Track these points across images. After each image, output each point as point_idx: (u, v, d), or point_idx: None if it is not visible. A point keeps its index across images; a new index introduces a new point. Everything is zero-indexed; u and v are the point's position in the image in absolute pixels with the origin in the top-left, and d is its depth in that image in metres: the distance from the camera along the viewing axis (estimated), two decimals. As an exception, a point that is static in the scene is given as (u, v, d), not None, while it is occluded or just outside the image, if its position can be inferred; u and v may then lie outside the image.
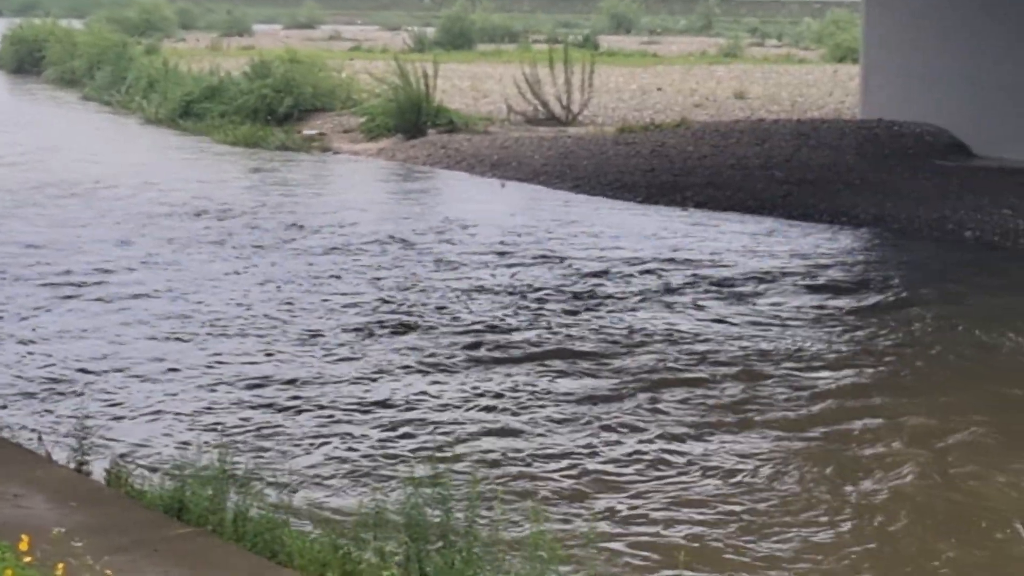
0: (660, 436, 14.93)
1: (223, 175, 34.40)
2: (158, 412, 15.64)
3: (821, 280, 22.47)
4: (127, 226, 26.88)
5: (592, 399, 16.30)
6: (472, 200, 30.88)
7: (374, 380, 16.89)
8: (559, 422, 15.34)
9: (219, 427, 15.02)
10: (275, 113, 41.96)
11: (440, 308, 20.55)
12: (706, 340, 18.67)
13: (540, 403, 16.09)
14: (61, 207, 29.12)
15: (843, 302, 21.08)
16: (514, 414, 15.62)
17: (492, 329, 19.42)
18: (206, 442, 13.83)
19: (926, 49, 36.53)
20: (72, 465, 12.36)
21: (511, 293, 21.55)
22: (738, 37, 78.68)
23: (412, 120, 38.69)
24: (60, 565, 8.69)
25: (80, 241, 25.18)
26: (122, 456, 13.50)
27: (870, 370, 17.70)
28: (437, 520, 9.77)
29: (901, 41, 37.43)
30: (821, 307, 20.84)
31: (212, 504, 10.66)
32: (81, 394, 16.08)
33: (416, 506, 9.78)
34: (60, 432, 14.29)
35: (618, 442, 14.67)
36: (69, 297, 20.90)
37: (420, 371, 17.37)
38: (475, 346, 18.57)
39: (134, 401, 15.99)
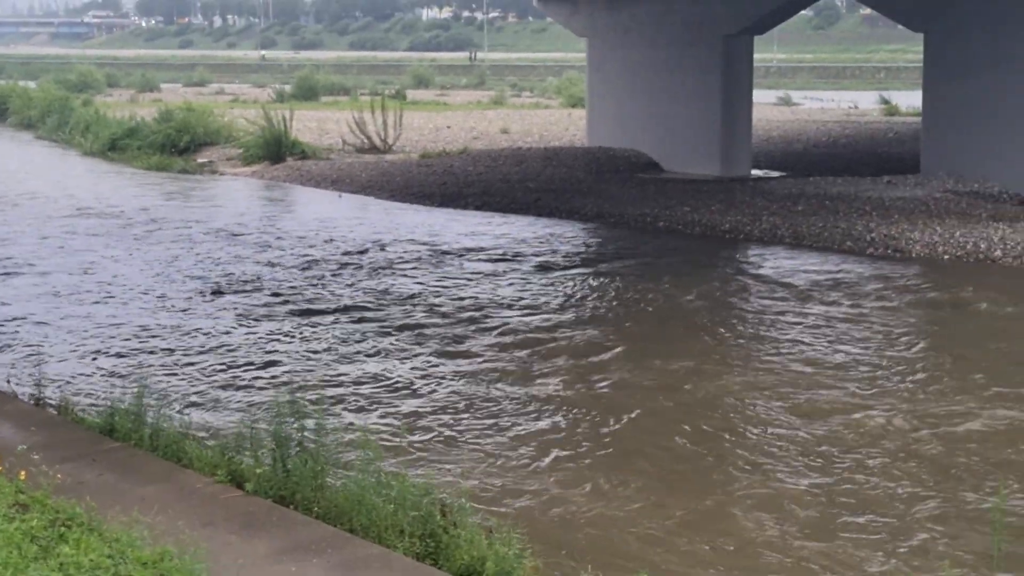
0: (416, 356, 15.15)
1: (135, 190, 33.82)
2: (81, 355, 15.57)
3: (560, 255, 22.74)
4: (51, 224, 26.95)
5: (361, 336, 16.48)
6: (314, 204, 30.83)
7: (210, 327, 17.04)
8: (343, 354, 15.49)
9: (121, 363, 15.00)
10: (177, 146, 41.38)
11: (257, 278, 20.73)
12: (468, 298, 18.88)
13: (329, 342, 16.21)
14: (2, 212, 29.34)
15: (568, 270, 21.36)
16: (323, 350, 15.69)
17: (293, 290, 19.56)
18: (117, 375, 13.85)
19: (625, 98, 37.13)
20: (31, 401, 12.13)
21: (321, 263, 21.61)
22: (503, 90, 79.12)
23: (275, 150, 38.38)
24: (22, 472, 8.55)
25: (14, 234, 25.48)
26: (59, 387, 13.45)
27: (563, 310, 18.05)
28: (295, 429, 9.72)
29: (610, 93, 38.00)
30: (549, 269, 21.13)
31: (134, 425, 10.55)
32: (36, 346, 15.89)
33: (279, 422, 9.71)
34: (18, 376, 14.13)
35: (385, 363, 14.83)
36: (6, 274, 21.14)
37: (237, 321, 17.61)
38: (277, 303, 18.81)
39: (59, 349, 15.88)
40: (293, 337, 16.59)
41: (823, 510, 10.24)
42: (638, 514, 10.21)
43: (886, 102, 60.21)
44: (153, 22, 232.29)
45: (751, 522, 10.00)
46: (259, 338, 16.54)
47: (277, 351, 15.80)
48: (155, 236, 25.35)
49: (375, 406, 13.35)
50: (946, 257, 21.82)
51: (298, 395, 12.03)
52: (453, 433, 12.38)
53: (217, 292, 19.45)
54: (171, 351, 15.80)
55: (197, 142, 41.79)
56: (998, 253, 21.61)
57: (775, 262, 22.04)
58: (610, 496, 10.63)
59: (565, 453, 11.81)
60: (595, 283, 20.42)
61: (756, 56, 36.12)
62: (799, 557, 9.33)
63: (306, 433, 9.67)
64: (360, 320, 17.56)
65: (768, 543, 9.59)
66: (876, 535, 9.74)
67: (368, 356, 15.53)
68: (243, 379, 14.46)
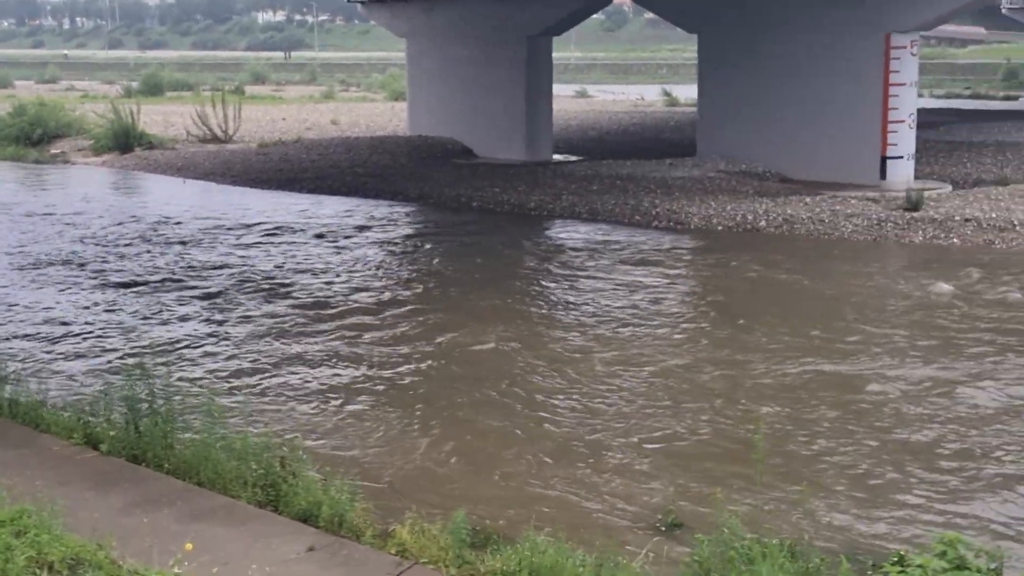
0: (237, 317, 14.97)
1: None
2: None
3: (390, 231, 22.62)
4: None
5: (185, 301, 16.21)
6: (158, 189, 29.88)
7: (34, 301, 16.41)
8: (164, 320, 15.18)
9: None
10: (31, 138, 39.56)
11: (72, 252, 20.27)
12: (297, 269, 18.69)
13: (160, 308, 15.89)
14: None
15: (397, 245, 21.31)
16: (144, 318, 15.35)
17: (116, 264, 18.96)
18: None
19: (442, 92, 37.02)
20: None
21: (146, 241, 21.16)
22: (333, 86, 77.95)
23: (124, 141, 37.07)
24: None
25: None
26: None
27: (360, 272, 18.06)
28: (145, 395, 9.47)
29: (428, 86, 37.82)
30: (377, 243, 21.04)
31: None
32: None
33: (130, 387, 9.46)
34: None
35: (203, 327, 14.61)
36: None
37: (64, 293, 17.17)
38: (99, 276, 18.39)
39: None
40: (117, 306, 16.17)
41: (580, 433, 10.45)
42: (446, 456, 10.27)
43: (668, 94, 61.42)
44: (6, 24, 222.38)
45: (528, 457, 10.14)
46: (85, 308, 16.08)
47: (101, 320, 15.35)
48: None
49: (196, 367, 13.10)
50: (720, 228, 22.43)
51: (136, 360, 11.67)
52: (272, 388, 12.24)
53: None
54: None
55: (50, 134, 40.04)
56: (763, 223, 22.30)
57: (572, 234, 22.36)
58: (416, 442, 10.65)
59: (373, 405, 11.78)
60: (411, 252, 20.40)
61: (556, 54, 36.53)
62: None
63: (153, 394, 9.43)
64: (182, 288, 17.27)
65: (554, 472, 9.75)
66: (614, 453, 9.99)
67: (183, 321, 15.28)
68: (80, 348, 14.01)
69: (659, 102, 59.42)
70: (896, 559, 6.69)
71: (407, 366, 13.20)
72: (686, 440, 10.64)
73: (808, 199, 23.84)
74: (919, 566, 6.45)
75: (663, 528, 8.60)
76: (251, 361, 13.41)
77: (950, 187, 25.64)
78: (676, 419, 11.19)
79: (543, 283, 18.05)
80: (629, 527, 8.69)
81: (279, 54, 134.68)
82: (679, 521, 8.65)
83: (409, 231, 23.25)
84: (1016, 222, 20.75)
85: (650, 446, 10.49)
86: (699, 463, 10.01)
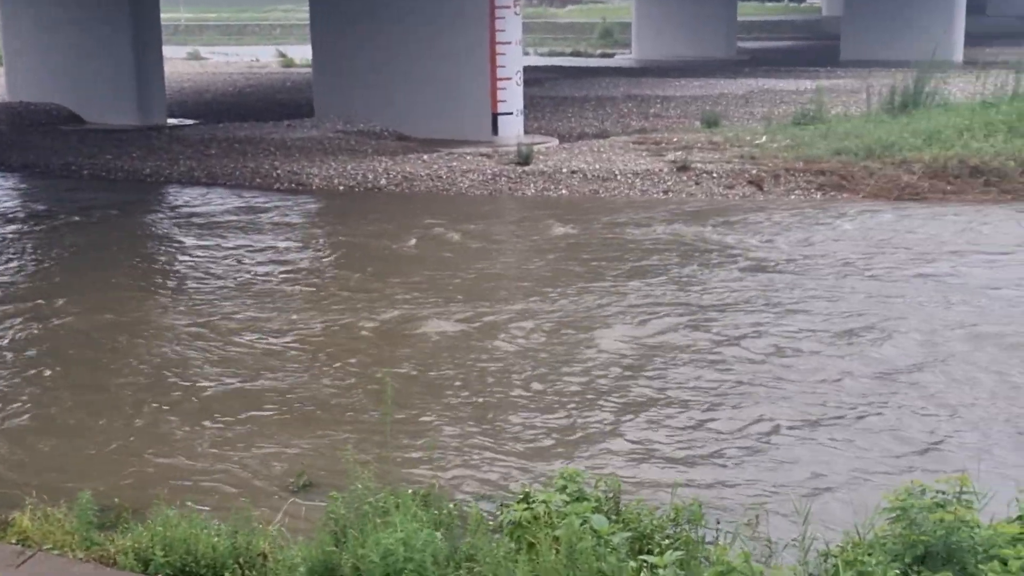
0: None
1: None
2: None
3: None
4: None
5: None
6: None
7: None
8: None
9: None
10: None
11: None
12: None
13: None
14: None
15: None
16: None
17: None
18: None
19: (42, 55, 34.66)
20: None
21: None
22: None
23: None
24: None
25: None
26: None
27: None
28: None
29: (27, 49, 35.33)
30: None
31: None
32: None
33: None
34: None
35: None
36: None
37: None
38: None
39: None
40: None
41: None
42: (83, 438, 9.77)
43: (283, 55, 60.48)
44: None
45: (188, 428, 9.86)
46: None
47: None
48: None
49: None
50: (341, 188, 22.44)
51: None
52: None
53: None
54: None
55: None
56: (383, 182, 22.51)
57: (191, 200, 21.68)
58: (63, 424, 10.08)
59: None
60: (22, 229, 19.13)
61: (165, 15, 35.07)
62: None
63: None
64: None
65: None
66: (244, 422, 9.93)
67: None
68: None
69: (274, 63, 58.41)
70: (523, 496, 6.98)
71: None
72: (310, 403, 10.60)
73: (426, 157, 24.27)
74: (543, 501, 6.76)
75: (295, 490, 8.56)
76: None
77: (557, 141, 26.87)
78: (307, 381, 11.15)
79: (152, 253, 17.42)
80: (263, 491, 8.58)
81: None
82: (310, 482, 8.64)
83: (13, 203, 21.72)
84: (617, 172, 22.06)
85: (271, 411, 10.39)
86: (324, 425, 10.01)
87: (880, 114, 25.43)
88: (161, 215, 20.46)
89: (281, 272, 15.75)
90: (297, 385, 11.03)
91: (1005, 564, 4.89)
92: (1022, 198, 19.85)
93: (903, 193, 20.40)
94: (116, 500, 8.20)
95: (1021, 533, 5.20)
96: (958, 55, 44.34)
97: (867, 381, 10.82)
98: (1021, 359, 11.33)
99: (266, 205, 20.84)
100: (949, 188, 20.49)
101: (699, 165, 22.13)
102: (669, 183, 21.52)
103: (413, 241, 17.66)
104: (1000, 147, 21.32)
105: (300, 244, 17.75)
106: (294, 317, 13.41)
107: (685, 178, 21.61)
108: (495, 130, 26.51)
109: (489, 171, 22.67)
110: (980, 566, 4.91)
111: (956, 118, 23.39)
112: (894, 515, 5.53)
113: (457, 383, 10.98)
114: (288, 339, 12.55)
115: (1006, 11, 61.28)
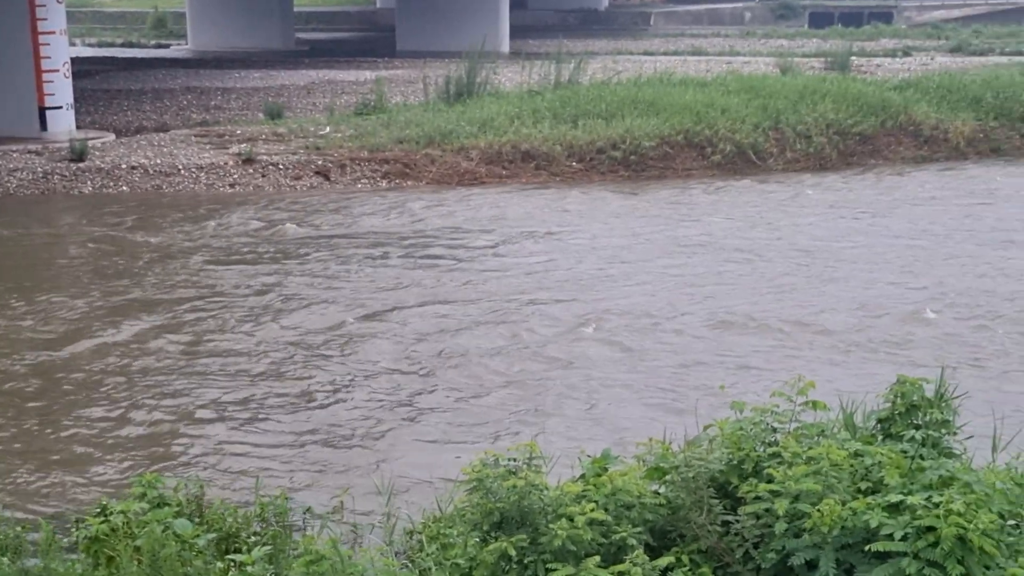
0: None
1: None
2: None
3: None
4: None
5: None
6: None
7: None
8: None
9: None
10: None
11: None
12: None
13: None
14: None
15: None
16: None
17: None
18: None
19: None
20: None
21: None
22: None
23: None
24: None
25: None
26: None
27: None
28: None
29: None
30: None
31: None
32: None
33: None
34: None
35: None
36: None
37: None
38: None
39: None
40: None
41: None
42: None
43: None
44: None
45: None
46: None
47: None
48: None
49: None
50: None
51: None
52: None
53: None
54: None
55: None
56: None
57: None
58: None
59: None
60: None
61: None
62: None
63: None
64: None
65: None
66: None
67: None
68: None
69: None
70: (99, 509, 6.67)
71: None
72: None
73: (-37, 156, 22.43)
74: (121, 512, 6.49)
75: None
76: None
77: (113, 136, 25.68)
78: None
79: None
80: None
81: None
82: None
83: None
84: (180, 167, 21.45)
85: None
86: None
87: (438, 103, 26.33)
88: None
89: None
90: None
91: (572, 520, 5.24)
92: (569, 180, 21.33)
93: (463, 179, 21.31)
94: None
95: (584, 491, 5.60)
96: (505, 46, 46.63)
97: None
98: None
99: None
100: (504, 172, 21.65)
101: (265, 157, 21.98)
102: (235, 176, 21.21)
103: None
104: (547, 132, 22.75)
105: None
106: None
107: (251, 171, 21.39)
108: (44, 125, 24.91)
109: (40, 169, 21.32)
110: (550, 525, 5.23)
111: (507, 106, 24.66)
112: (471, 486, 5.77)
113: None
114: None
115: (545, 5, 65.10)
